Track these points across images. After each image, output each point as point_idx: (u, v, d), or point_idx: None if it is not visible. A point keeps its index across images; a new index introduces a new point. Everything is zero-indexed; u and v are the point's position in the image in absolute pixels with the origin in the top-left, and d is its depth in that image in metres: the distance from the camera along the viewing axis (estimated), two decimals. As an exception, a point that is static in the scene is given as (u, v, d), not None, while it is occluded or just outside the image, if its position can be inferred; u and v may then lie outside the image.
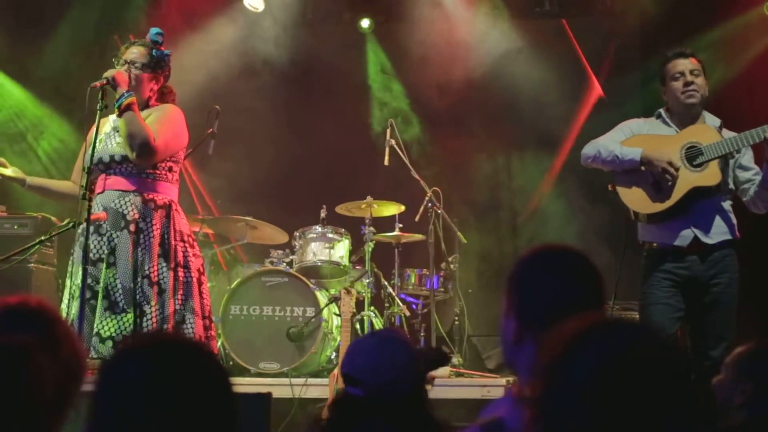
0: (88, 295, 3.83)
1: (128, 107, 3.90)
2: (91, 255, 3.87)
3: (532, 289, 1.83)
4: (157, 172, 4.06)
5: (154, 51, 4.10)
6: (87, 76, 4.87)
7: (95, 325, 3.81)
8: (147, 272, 3.91)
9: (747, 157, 4.15)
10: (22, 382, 1.51)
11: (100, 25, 7.27)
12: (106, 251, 3.91)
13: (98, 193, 4.00)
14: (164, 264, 3.97)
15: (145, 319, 3.86)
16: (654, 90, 4.45)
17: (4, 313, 1.73)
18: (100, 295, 3.86)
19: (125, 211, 3.95)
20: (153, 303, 3.89)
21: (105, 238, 3.93)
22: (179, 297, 4.00)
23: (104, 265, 3.89)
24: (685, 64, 4.17)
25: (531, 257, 1.90)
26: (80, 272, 3.79)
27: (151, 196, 4.02)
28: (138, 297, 3.89)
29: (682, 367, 1.21)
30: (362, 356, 2.42)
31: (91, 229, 3.88)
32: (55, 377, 1.56)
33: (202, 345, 1.45)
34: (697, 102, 4.16)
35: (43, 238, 4.13)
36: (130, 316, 3.84)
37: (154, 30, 4.14)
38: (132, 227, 3.94)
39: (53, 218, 5.91)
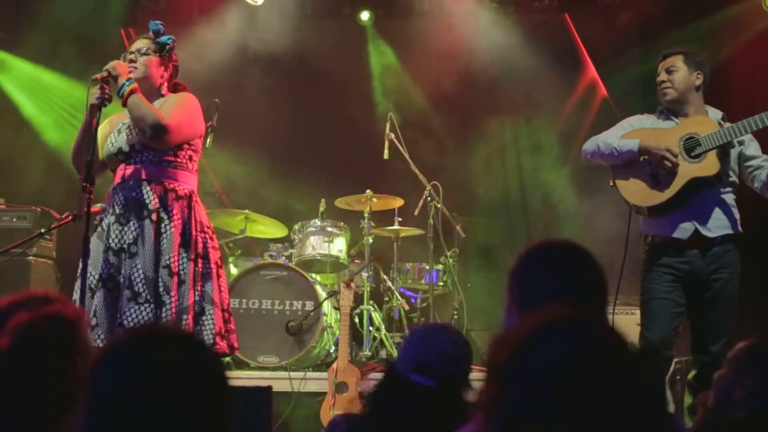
0: (110, 285, 3.82)
1: (131, 93, 3.89)
2: (112, 244, 3.87)
3: (533, 284, 1.83)
4: (178, 160, 4.02)
5: (157, 39, 4.11)
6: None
7: (119, 316, 3.79)
8: (167, 262, 3.87)
9: (752, 148, 4.15)
10: (69, 348, 1.54)
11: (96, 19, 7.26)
12: (128, 241, 3.89)
13: (118, 183, 3.99)
14: (185, 254, 3.92)
15: (164, 309, 3.82)
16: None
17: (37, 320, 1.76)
18: (124, 286, 3.84)
19: (146, 201, 3.91)
20: (172, 294, 3.84)
21: (126, 228, 3.91)
22: (198, 288, 3.95)
23: (127, 255, 3.86)
24: (663, 65, 4.25)
25: (533, 252, 1.90)
26: (100, 262, 3.81)
27: (172, 186, 3.97)
28: (159, 287, 3.86)
29: (637, 364, 1.20)
30: (437, 346, 2.45)
31: (112, 218, 3.88)
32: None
33: (197, 338, 1.45)
34: (673, 98, 4.19)
35: (42, 231, 4.13)
36: (152, 306, 3.82)
37: (153, 23, 4.16)
38: (154, 216, 3.90)
39: (53, 211, 5.90)
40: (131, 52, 4.07)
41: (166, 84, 4.14)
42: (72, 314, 1.75)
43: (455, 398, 2.40)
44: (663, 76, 4.23)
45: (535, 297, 1.81)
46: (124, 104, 3.92)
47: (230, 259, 6.44)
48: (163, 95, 4.11)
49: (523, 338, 1.19)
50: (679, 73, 4.19)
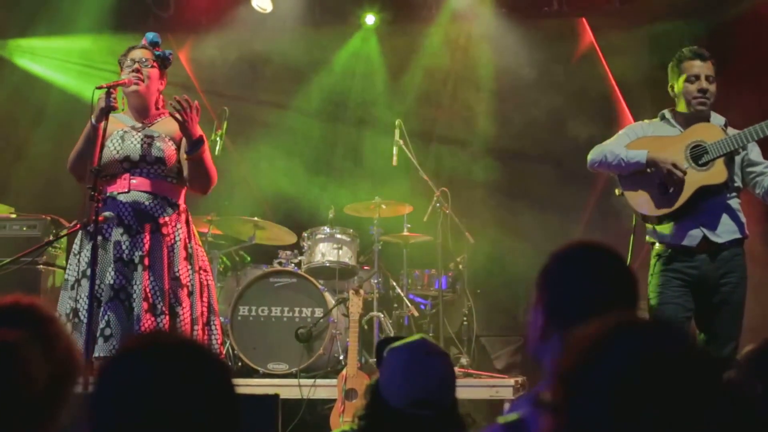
0: (122, 296, 3.85)
1: (203, 152, 3.99)
2: (123, 255, 3.90)
3: (561, 286, 1.80)
4: (179, 176, 4.12)
5: (156, 52, 4.13)
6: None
7: (136, 327, 3.82)
8: (176, 274, 3.97)
9: (755, 153, 4.13)
10: (9, 377, 1.50)
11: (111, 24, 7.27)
12: (139, 253, 3.92)
13: (122, 192, 4.00)
14: (190, 266, 4.04)
15: (177, 320, 3.91)
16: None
17: None
18: (139, 297, 3.86)
19: (156, 214, 3.99)
20: (184, 305, 3.95)
21: (137, 239, 3.94)
22: (204, 299, 4.08)
23: (141, 267, 3.90)
24: (702, 68, 4.09)
25: (564, 253, 1.86)
26: (111, 273, 3.84)
27: (174, 200, 4.09)
28: (171, 299, 3.94)
29: (710, 369, 1.19)
30: (430, 379, 2.41)
31: (121, 229, 3.91)
32: (47, 376, 1.55)
33: (204, 346, 1.45)
34: (707, 109, 4.13)
35: (51, 239, 4.13)
36: (167, 318, 3.88)
37: (150, 34, 4.18)
38: (163, 230, 3.99)
39: (62, 219, 5.92)
40: (134, 61, 4.07)
41: (161, 98, 4.19)
42: (6, 337, 1.57)
43: (451, 417, 2.39)
44: (705, 84, 4.07)
45: (562, 298, 1.79)
46: (195, 159, 3.97)
47: (239, 267, 6.44)
48: (158, 108, 4.15)
49: (591, 343, 1.19)
50: (714, 84, 4.10)
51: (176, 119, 3.87)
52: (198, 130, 3.98)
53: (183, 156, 4.05)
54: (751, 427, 1.20)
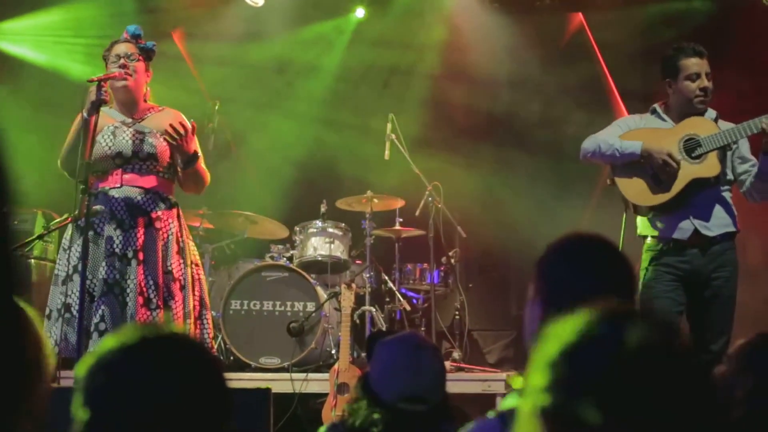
0: (116, 290, 3.86)
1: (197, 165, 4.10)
2: (116, 250, 3.89)
3: (558, 277, 1.79)
4: (170, 172, 4.15)
5: (140, 44, 4.11)
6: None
7: (131, 321, 3.82)
8: (169, 268, 4.00)
9: (745, 148, 4.15)
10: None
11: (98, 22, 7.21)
12: (133, 248, 3.92)
13: (114, 187, 4.00)
14: (182, 261, 4.07)
15: (170, 314, 3.92)
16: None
17: None
18: (133, 291, 3.86)
19: (149, 209, 4.00)
20: (176, 299, 3.97)
21: (130, 234, 3.94)
22: (196, 293, 4.10)
23: (135, 262, 3.90)
24: (702, 66, 4.09)
25: (561, 244, 1.85)
26: (103, 267, 3.85)
27: (167, 195, 4.11)
28: (164, 293, 3.95)
29: (694, 364, 1.16)
30: (422, 373, 2.41)
31: (114, 224, 3.91)
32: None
33: (196, 339, 1.45)
34: (705, 106, 4.14)
35: (42, 233, 4.13)
36: (162, 312, 3.89)
37: (132, 26, 4.15)
38: (156, 224, 4.00)
39: (54, 214, 5.89)
40: (119, 56, 4.05)
41: (149, 90, 4.19)
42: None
43: (442, 411, 2.40)
44: (706, 82, 4.09)
45: (558, 290, 1.77)
46: (191, 171, 4.10)
47: (231, 261, 6.43)
48: (145, 101, 4.15)
49: (575, 331, 1.16)
50: (711, 81, 4.13)
51: (169, 143, 3.94)
52: (192, 147, 4.01)
53: (178, 165, 4.10)
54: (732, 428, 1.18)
